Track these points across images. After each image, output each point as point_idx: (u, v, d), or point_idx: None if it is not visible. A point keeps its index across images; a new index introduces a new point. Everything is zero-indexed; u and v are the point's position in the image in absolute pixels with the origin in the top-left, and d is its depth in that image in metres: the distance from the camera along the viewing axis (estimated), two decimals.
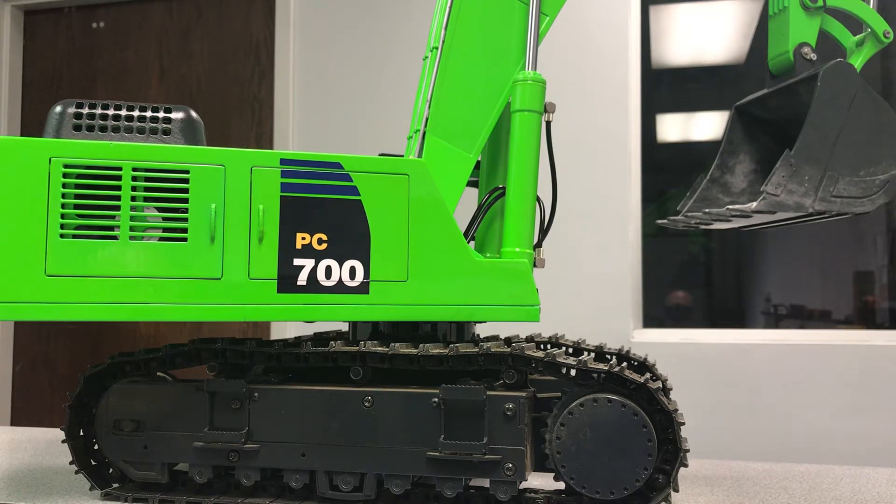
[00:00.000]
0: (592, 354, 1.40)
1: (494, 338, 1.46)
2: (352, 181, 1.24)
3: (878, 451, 2.76)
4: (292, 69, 3.48)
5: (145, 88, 3.76)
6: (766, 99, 1.49)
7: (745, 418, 2.89)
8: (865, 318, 3.07)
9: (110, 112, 1.23)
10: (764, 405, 2.87)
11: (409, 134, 1.45)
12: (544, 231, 1.43)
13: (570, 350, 1.50)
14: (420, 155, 1.34)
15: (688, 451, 1.17)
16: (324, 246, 1.23)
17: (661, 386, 1.18)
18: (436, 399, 1.18)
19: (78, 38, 3.86)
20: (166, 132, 1.24)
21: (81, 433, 1.33)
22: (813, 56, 1.40)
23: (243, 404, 1.24)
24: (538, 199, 1.38)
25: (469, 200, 1.60)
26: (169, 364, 1.32)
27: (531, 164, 1.32)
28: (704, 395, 2.92)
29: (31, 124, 3.88)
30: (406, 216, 1.25)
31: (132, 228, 1.17)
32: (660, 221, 1.55)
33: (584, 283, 3.07)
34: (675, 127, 3.30)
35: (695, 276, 3.25)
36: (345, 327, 1.57)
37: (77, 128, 1.21)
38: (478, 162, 1.48)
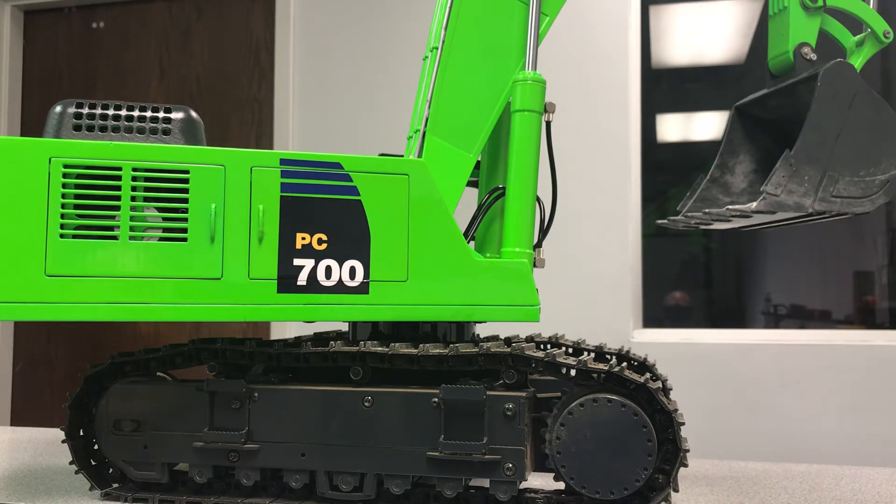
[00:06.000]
0: (592, 354, 1.40)
1: (494, 338, 1.46)
2: (352, 181, 1.24)
3: (878, 451, 2.76)
4: (292, 69, 3.48)
5: (145, 88, 3.76)
6: (766, 99, 1.49)
7: (745, 418, 2.88)
8: (865, 318, 3.07)
9: (110, 112, 1.23)
10: (764, 405, 2.87)
11: (409, 134, 1.45)
12: (544, 231, 1.43)
13: (570, 350, 1.50)
14: (420, 155, 1.34)
15: (688, 451, 1.17)
16: (324, 246, 1.23)
17: (661, 386, 1.18)
18: (436, 399, 1.18)
19: (78, 38, 3.86)
20: (166, 132, 1.24)
21: (81, 433, 1.33)
22: (813, 56, 1.40)
23: (243, 404, 1.24)
24: (538, 199, 1.38)
25: (469, 200, 1.60)
26: (169, 364, 1.32)
27: (531, 164, 1.32)
28: (704, 395, 2.91)
29: (31, 124, 3.88)
30: (406, 216, 1.25)
31: (132, 228, 1.17)
32: (660, 221, 1.55)
33: (584, 283, 3.07)
34: (675, 127, 3.30)
35: (695, 276, 3.25)
36: (345, 327, 1.57)
37: (77, 128, 1.21)
38: (478, 162, 1.48)
